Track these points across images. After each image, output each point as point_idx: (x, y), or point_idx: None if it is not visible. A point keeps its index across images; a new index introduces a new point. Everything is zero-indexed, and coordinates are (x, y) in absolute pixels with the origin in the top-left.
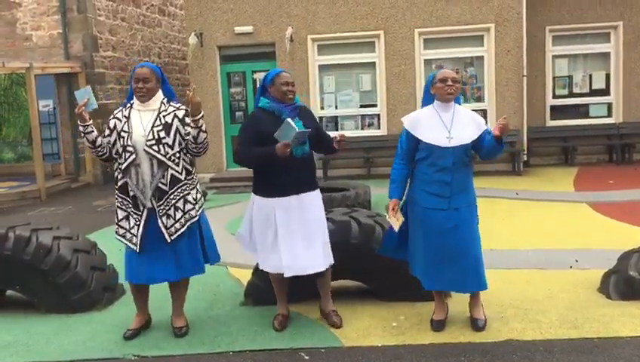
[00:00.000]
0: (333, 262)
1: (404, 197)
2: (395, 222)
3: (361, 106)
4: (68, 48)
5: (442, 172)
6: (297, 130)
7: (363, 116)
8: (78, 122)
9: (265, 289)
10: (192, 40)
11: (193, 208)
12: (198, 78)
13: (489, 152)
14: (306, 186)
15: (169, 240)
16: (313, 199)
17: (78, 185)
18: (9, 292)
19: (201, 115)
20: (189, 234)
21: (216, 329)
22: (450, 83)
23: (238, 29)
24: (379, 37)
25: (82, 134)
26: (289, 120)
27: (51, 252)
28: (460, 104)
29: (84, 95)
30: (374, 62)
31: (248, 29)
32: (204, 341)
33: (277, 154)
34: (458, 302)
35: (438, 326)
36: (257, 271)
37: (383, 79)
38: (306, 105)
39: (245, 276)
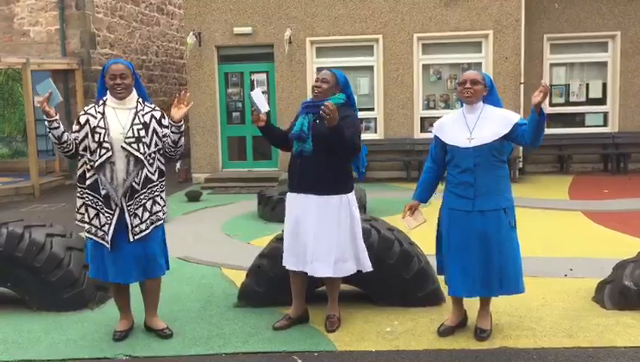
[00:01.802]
0: (333, 275)
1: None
2: (411, 222)
3: (359, 110)
4: (65, 45)
5: (464, 173)
6: (253, 92)
7: (360, 120)
8: (44, 117)
9: (259, 291)
10: (191, 39)
11: (161, 210)
12: (195, 77)
13: (533, 134)
14: (311, 188)
15: (132, 239)
16: (321, 204)
17: (71, 182)
18: (0, 289)
19: (182, 121)
20: (151, 238)
21: (209, 331)
22: (468, 86)
23: (237, 30)
24: (377, 41)
25: (48, 130)
26: (257, 89)
27: (44, 249)
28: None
29: (47, 88)
30: (372, 66)
31: (247, 29)
32: (196, 342)
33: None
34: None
35: (445, 331)
36: (251, 273)
37: (380, 83)
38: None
39: (239, 277)
